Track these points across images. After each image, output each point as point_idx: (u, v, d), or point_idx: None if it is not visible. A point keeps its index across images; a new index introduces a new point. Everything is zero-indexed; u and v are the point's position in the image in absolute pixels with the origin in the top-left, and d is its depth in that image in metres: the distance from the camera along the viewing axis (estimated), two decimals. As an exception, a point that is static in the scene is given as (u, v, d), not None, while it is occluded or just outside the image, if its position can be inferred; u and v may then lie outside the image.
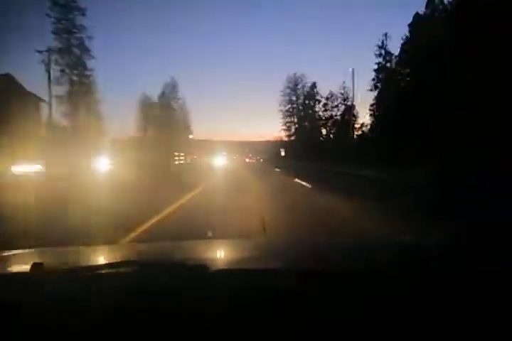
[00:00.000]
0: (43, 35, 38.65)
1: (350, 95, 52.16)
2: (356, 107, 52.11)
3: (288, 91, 57.42)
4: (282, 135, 60.77)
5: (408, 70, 28.24)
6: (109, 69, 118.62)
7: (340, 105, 53.96)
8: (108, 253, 1.45)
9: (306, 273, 0.90)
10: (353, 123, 51.53)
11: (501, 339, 0.73)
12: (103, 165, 19.13)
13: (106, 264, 0.99)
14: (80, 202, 7.99)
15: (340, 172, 20.71)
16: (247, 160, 72.39)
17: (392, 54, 37.18)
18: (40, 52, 23.08)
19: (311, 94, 55.99)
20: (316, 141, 52.67)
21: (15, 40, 27.57)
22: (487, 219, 4.75)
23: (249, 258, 1.28)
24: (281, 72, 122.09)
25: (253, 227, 4.91)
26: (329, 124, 54.30)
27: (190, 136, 59.52)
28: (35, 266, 0.91)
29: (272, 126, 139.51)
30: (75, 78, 32.10)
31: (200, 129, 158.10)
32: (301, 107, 57.30)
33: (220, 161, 42.65)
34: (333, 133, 53.45)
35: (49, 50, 23.19)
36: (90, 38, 32.26)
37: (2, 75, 22.17)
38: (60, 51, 30.84)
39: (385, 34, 38.07)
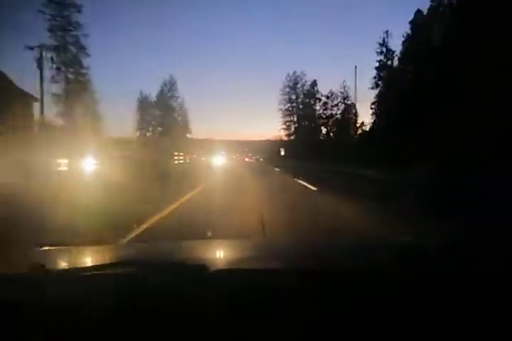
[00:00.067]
0: (38, 32, 38.50)
1: (350, 94, 52.42)
2: (356, 106, 52.16)
3: (287, 90, 57.54)
4: (282, 134, 60.90)
5: (410, 68, 28.23)
6: (107, 67, 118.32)
7: (340, 104, 54.01)
8: (108, 253, 1.46)
9: (305, 273, 0.91)
10: (354, 122, 51.61)
11: (501, 339, 0.74)
12: (88, 166, 17.96)
13: (106, 264, 1.00)
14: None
15: (341, 172, 20.68)
16: (247, 159, 72.25)
17: (393, 51, 37.24)
18: (31, 48, 22.62)
19: (312, 93, 56.01)
20: (316, 140, 52.69)
21: (8, 38, 27.46)
22: (487, 219, 4.76)
23: (248, 258, 1.29)
24: (281, 72, 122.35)
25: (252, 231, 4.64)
26: (329, 123, 54.34)
27: (188, 135, 59.54)
28: (35, 266, 0.91)
29: (271, 126, 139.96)
30: (70, 76, 32.11)
31: (200, 128, 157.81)
32: (301, 106, 57.25)
33: (219, 161, 42.62)
34: (333, 132, 53.49)
35: (41, 46, 22.87)
36: (86, 35, 32.25)
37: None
38: (55, 49, 30.81)
39: (386, 31, 38.18)
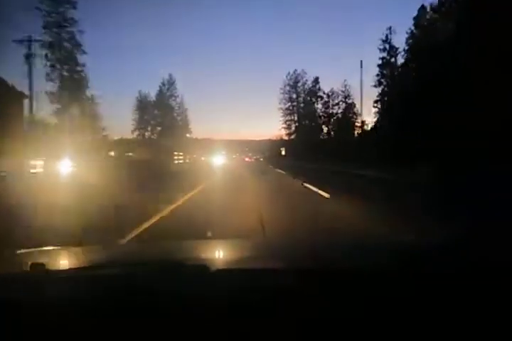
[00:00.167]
0: (32, 28, 37.66)
1: (352, 92, 51.82)
2: (357, 105, 51.78)
3: (288, 88, 57.10)
4: (282, 133, 60.39)
5: (414, 65, 27.57)
6: (106, 67, 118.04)
7: (341, 103, 53.34)
8: (108, 253, 1.46)
9: (305, 272, 0.91)
10: (355, 121, 51.00)
11: (501, 339, 0.73)
12: (64, 168, 16.32)
13: (106, 264, 1.04)
14: None
15: (344, 173, 20.39)
16: (247, 159, 71.83)
17: (396, 48, 36.41)
18: (19, 41, 21.35)
19: (313, 91, 55.22)
20: (317, 139, 52.13)
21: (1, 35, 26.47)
22: (487, 219, 4.77)
23: (248, 258, 1.29)
24: (281, 71, 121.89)
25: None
26: (331, 122, 53.68)
27: (188, 135, 58.93)
28: (35, 266, 0.93)
29: (271, 125, 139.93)
30: (65, 74, 31.30)
31: (200, 128, 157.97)
32: (301, 105, 56.50)
33: (218, 160, 42.12)
34: (334, 131, 52.82)
35: (30, 40, 21.77)
36: (81, 32, 31.50)
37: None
38: (50, 46, 30.05)
39: (390, 28, 37.48)
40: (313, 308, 0.77)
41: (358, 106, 51.55)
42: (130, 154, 42.37)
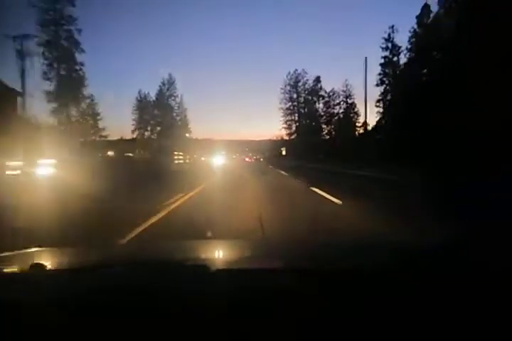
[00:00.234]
0: (28, 26, 37.05)
1: (353, 92, 51.41)
2: (358, 105, 51.47)
3: (288, 88, 56.78)
4: (283, 133, 60.01)
5: (416, 65, 27.13)
6: (106, 66, 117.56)
7: (342, 103, 52.88)
8: (108, 254, 1.46)
9: (305, 272, 0.91)
10: (356, 121, 50.65)
11: (501, 339, 0.74)
12: (43, 170, 14.96)
13: (106, 264, 1.02)
14: None
15: (346, 173, 19.66)
16: (247, 159, 71.40)
17: (399, 47, 35.90)
18: (14, 37, 20.40)
19: (315, 90, 54.70)
20: (318, 139, 51.71)
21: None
22: (487, 219, 4.73)
23: (248, 258, 1.29)
24: (281, 71, 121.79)
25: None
26: (332, 122, 53.24)
27: (188, 135, 58.45)
28: (35, 266, 0.93)
29: (272, 125, 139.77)
30: (63, 73, 30.80)
31: (200, 128, 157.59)
32: (302, 104, 56.03)
33: (218, 161, 41.71)
34: (335, 131, 52.38)
35: (23, 36, 21.03)
36: (79, 30, 31.04)
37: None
38: (47, 44, 29.58)
39: (392, 26, 37.02)
40: (313, 308, 0.77)
41: (358, 106, 51.35)
42: (129, 154, 41.97)
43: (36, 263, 0.93)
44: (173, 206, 6.78)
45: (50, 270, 0.95)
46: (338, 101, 53.21)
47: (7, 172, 13.25)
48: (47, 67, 30.13)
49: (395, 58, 36.90)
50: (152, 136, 54.89)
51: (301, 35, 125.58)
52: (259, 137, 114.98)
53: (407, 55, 32.36)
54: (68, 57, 31.02)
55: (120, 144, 44.42)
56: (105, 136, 39.13)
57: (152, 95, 56.12)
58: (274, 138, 68.71)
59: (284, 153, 59.37)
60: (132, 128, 55.17)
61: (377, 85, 37.53)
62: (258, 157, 76.84)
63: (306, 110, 56.01)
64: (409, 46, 32.36)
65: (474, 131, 14.40)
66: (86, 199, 7.21)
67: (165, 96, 55.89)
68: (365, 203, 7.18)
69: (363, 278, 0.87)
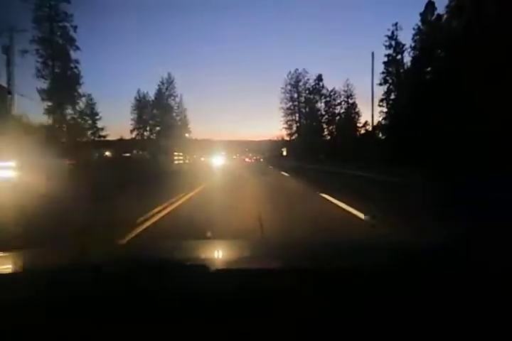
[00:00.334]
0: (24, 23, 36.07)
1: (354, 92, 50.72)
2: (358, 105, 50.94)
3: (289, 88, 56.35)
4: (283, 133, 59.54)
5: (419, 64, 26.42)
6: (104, 65, 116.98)
7: (343, 103, 52.12)
8: (107, 254, 1.45)
9: (305, 272, 0.92)
10: (357, 121, 50.00)
11: (501, 339, 0.74)
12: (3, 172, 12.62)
13: (105, 264, 1.01)
14: None
15: (347, 173, 19.38)
16: (247, 159, 70.80)
17: (403, 45, 35.04)
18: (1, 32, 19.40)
19: (316, 89, 53.94)
20: (319, 139, 51.02)
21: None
22: (488, 219, 4.74)
23: (248, 259, 1.29)
24: (281, 71, 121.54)
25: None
26: (332, 122, 52.48)
27: (187, 135, 57.64)
28: (31, 266, 0.93)
29: (272, 125, 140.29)
30: (57, 70, 29.89)
31: (199, 129, 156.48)
32: (303, 104, 55.27)
33: (218, 161, 40.96)
34: (336, 131, 51.62)
35: (11, 29, 19.99)
36: (74, 26, 30.13)
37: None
38: (41, 41, 28.69)
39: (396, 24, 36.28)
40: (313, 308, 0.77)
41: (359, 106, 50.70)
42: (127, 154, 41.16)
43: (34, 264, 0.93)
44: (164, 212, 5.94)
45: (49, 270, 0.94)
46: (339, 101, 52.74)
47: None
48: (41, 65, 29.31)
49: (399, 56, 36.15)
50: (151, 136, 54.16)
51: (302, 35, 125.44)
52: (259, 137, 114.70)
53: (411, 53, 31.61)
54: (63, 54, 30.15)
55: (118, 144, 43.69)
56: (104, 136, 38.51)
57: (151, 95, 55.55)
58: (275, 138, 68.66)
59: (284, 153, 58.69)
60: (131, 128, 54.49)
61: (380, 84, 36.80)
62: (258, 157, 76.43)
63: (307, 110, 55.65)
64: (413, 44, 31.61)
65: (474, 131, 14.43)
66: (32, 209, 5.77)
67: (164, 95, 55.18)
68: (372, 206, 6.32)
69: (363, 278, 0.87)
